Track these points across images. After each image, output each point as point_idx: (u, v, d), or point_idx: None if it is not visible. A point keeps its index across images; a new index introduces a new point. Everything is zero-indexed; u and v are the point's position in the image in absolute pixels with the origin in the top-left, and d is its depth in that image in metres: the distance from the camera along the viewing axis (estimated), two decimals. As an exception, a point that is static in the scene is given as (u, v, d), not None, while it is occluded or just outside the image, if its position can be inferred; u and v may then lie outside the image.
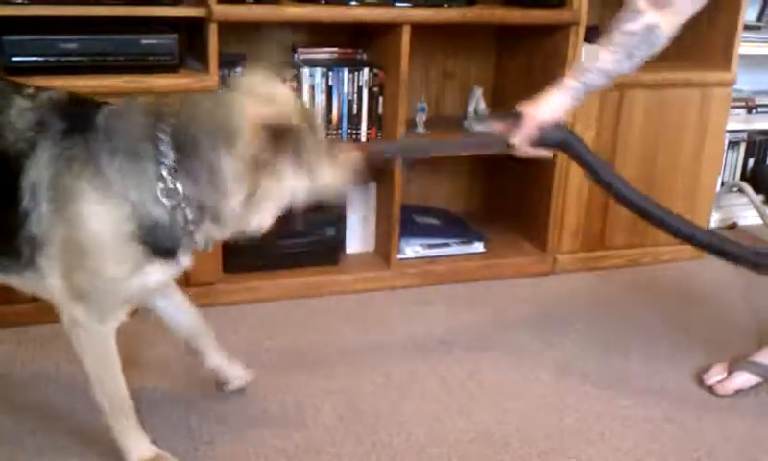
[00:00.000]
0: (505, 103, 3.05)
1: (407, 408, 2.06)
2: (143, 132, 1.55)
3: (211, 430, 1.92)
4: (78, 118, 1.57)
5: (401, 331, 2.44)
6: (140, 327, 2.35)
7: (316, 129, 1.64)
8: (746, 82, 3.31)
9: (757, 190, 3.29)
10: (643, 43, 1.90)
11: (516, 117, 1.96)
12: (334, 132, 2.65)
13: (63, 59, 2.20)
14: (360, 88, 2.65)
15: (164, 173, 1.53)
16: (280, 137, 1.52)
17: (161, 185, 1.53)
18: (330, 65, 2.63)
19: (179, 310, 1.96)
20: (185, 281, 2.45)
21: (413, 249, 2.80)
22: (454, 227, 2.96)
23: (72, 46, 2.21)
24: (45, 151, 1.53)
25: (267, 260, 2.62)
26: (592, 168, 2.01)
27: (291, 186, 1.60)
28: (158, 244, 1.58)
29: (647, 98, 2.80)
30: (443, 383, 2.18)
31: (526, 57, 2.92)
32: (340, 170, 1.67)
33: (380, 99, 2.66)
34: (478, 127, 1.92)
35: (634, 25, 1.89)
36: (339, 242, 2.75)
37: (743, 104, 3.40)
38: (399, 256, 2.75)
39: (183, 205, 1.55)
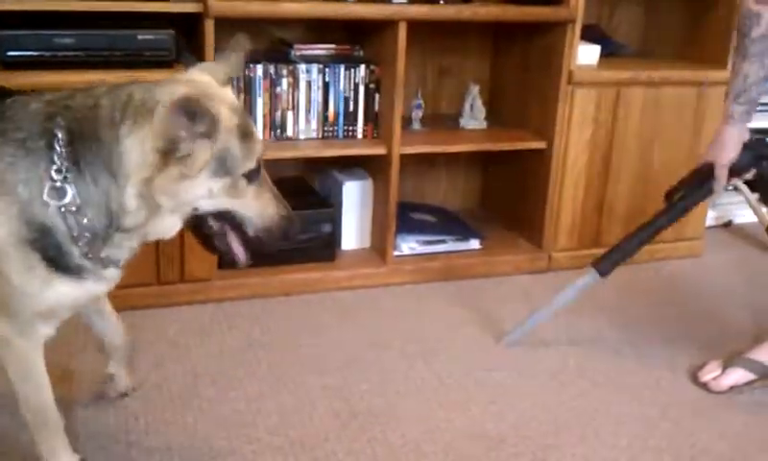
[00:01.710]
0: (501, 100, 3.05)
1: (403, 405, 2.06)
2: (36, 122, 1.38)
3: (207, 428, 1.91)
4: None
5: (397, 328, 2.44)
6: (136, 324, 2.35)
7: (248, 138, 1.41)
8: (742, 80, 3.31)
9: (752, 189, 3.30)
10: None
11: (705, 170, 2.04)
12: (331, 129, 2.65)
13: (59, 54, 2.19)
14: (356, 85, 2.65)
15: (53, 171, 1.35)
16: (197, 122, 1.31)
17: (48, 185, 1.35)
18: (327, 62, 2.63)
19: (112, 333, 1.90)
20: (179, 278, 2.46)
21: (409, 245, 2.80)
22: (450, 224, 2.96)
23: (68, 41, 2.20)
24: None
25: (262, 257, 2.61)
26: None
27: (199, 195, 1.40)
28: (51, 254, 1.39)
29: (643, 96, 2.80)
30: (438, 380, 2.18)
31: (522, 54, 2.92)
32: (265, 204, 1.48)
33: (377, 96, 2.66)
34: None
35: (760, 28, 1.92)
36: (335, 238, 2.75)
37: (739, 102, 3.40)
38: (395, 253, 2.75)
39: (75, 208, 1.37)
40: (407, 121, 2.81)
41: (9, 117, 1.39)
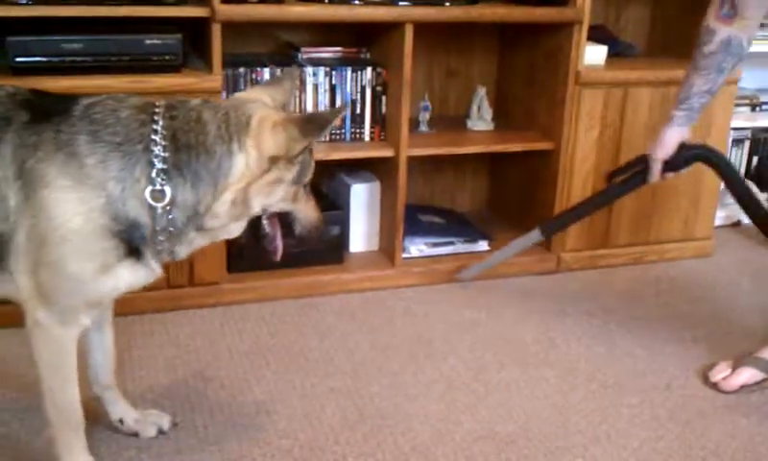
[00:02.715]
0: (508, 101, 3.05)
1: (412, 408, 2.06)
2: (132, 128, 1.48)
3: (217, 431, 1.92)
4: (45, 108, 1.49)
5: (406, 331, 2.44)
6: (145, 329, 2.36)
7: (313, 154, 1.64)
8: (750, 79, 3.31)
9: (761, 188, 3.29)
10: (727, 56, 2.05)
11: (643, 161, 2.25)
12: (338, 131, 2.65)
13: (67, 59, 2.20)
14: (363, 88, 2.65)
15: (154, 174, 1.46)
16: (319, 135, 1.55)
17: (150, 187, 1.46)
18: (334, 65, 2.63)
19: (102, 349, 1.81)
20: (189, 281, 2.46)
21: (417, 248, 2.79)
22: (458, 225, 2.96)
23: (76, 46, 2.21)
24: (9, 144, 1.45)
25: (271, 260, 2.62)
26: (728, 176, 2.24)
27: (279, 198, 1.59)
28: (135, 245, 1.50)
29: (651, 95, 2.80)
30: (447, 383, 2.18)
31: (529, 55, 2.92)
32: (312, 210, 1.69)
33: (384, 98, 2.66)
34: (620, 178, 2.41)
35: (711, 46, 2.04)
36: (343, 241, 2.75)
37: (747, 101, 3.40)
38: (404, 255, 2.75)
39: (170, 208, 1.48)
40: (414, 123, 2.80)
41: (99, 121, 1.48)
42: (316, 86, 2.60)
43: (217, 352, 2.26)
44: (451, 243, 2.85)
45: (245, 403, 2.03)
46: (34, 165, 1.44)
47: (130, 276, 1.53)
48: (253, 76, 2.52)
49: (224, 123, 1.50)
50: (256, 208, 1.57)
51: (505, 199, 3.17)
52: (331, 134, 2.65)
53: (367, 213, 2.80)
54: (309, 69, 2.60)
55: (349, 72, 2.63)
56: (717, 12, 2.01)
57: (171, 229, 1.50)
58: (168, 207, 1.48)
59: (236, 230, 1.61)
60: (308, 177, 1.63)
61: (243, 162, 1.50)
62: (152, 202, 1.47)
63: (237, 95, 1.67)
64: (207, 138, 1.49)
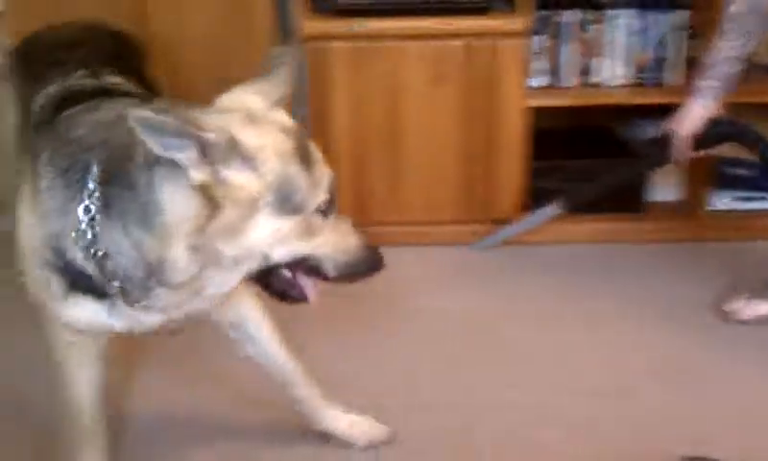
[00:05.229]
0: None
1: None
2: (77, 151, 1.22)
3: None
4: (39, 114, 1.36)
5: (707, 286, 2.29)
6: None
7: (311, 163, 1.19)
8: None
9: None
10: (751, 16, 1.84)
11: (666, 138, 2.04)
12: (642, 76, 2.55)
13: (386, 1, 2.35)
14: (670, 30, 2.51)
15: (80, 210, 1.19)
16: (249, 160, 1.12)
17: (76, 228, 1.20)
18: (639, 5, 2.52)
19: (267, 357, 1.61)
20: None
21: (722, 201, 2.62)
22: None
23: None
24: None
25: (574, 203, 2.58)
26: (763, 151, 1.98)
27: (266, 238, 1.16)
28: (80, 283, 1.26)
29: None
30: None
31: None
32: (345, 236, 1.26)
33: (691, 42, 2.51)
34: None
35: (736, 5, 1.84)
36: (642, 190, 2.62)
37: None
38: (708, 208, 2.60)
39: (100, 254, 1.19)
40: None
41: (58, 136, 1.27)
42: (619, 28, 2.51)
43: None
44: (763, 198, 2.63)
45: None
46: (19, 176, 1.39)
47: (89, 312, 1.30)
48: (557, 18, 2.49)
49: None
50: (230, 255, 1.17)
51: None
52: (635, 78, 2.55)
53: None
54: (613, 13, 2.51)
55: (655, 14, 2.50)
56: None
57: (115, 282, 1.22)
58: (101, 255, 1.19)
59: (223, 284, 1.24)
60: (316, 198, 1.19)
61: (179, 196, 1.12)
62: (78, 242, 1.21)
63: (217, 104, 1.24)
64: (131, 168, 1.15)
